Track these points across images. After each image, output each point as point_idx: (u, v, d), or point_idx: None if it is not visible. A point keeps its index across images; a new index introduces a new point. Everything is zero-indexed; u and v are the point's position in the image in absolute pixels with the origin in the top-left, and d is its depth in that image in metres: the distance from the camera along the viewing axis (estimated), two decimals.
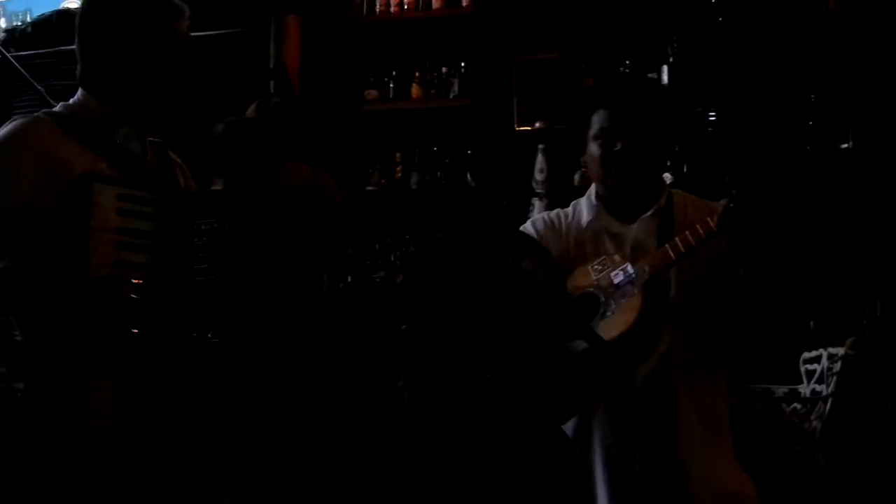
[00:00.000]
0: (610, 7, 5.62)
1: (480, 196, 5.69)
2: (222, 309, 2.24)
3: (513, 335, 1.82)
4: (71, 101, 2.41)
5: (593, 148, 2.80)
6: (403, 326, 1.64)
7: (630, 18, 5.55)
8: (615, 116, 2.77)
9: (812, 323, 4.72)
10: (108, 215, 2.17)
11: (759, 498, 2.72)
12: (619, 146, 2.73)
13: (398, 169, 5.98)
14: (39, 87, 6.11)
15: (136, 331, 2.19)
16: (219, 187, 3.03)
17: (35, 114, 2.33)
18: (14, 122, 2.29)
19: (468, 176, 5.78)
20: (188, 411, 2.26)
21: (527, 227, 2.92)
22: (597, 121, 2.80)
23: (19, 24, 7.21)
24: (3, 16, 7.51)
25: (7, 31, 7.19)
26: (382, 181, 5.98)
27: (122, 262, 2.17)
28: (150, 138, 2.49)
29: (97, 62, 2.39)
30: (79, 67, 2.42)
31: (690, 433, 2.66)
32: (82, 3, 2.49)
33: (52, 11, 6.91)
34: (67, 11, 6.84)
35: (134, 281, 2.18)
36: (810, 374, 4.49)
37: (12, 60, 6.19)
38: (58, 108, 2.39)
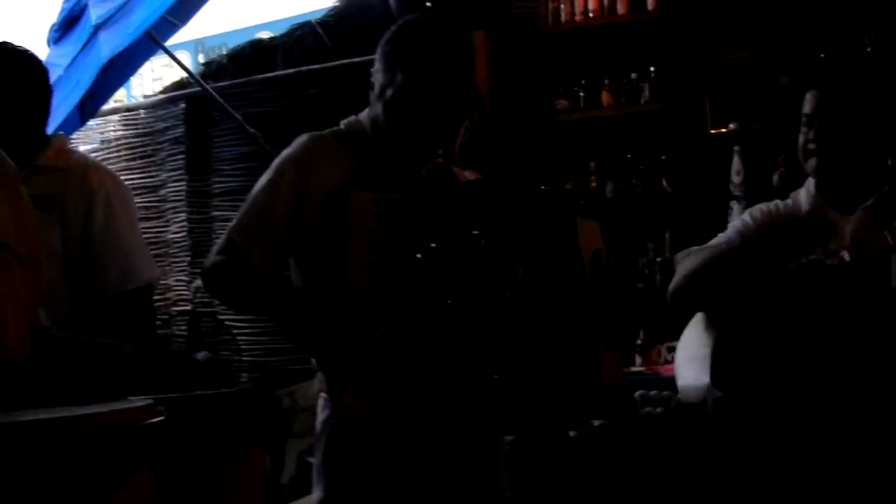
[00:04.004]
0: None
1: (677, 202, 5.60)
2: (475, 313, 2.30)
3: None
4: (352, 119, 2.56)
5: (800, 135, 2.74)
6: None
7: (823, 9, 5.36)
8: (816, 101, 2.69)
9: None
10: (365, 219, 2.24)
11: None
12: (813, 133, 2.65)
13: (592, 178, 5.92)
14: (237, 115, 6.36)
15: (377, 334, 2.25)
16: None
17: (319, 132, 2.51)
18: (297, 140, 2.49)
19: (664, 182, 5.68)
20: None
21: (744, 217, 2.85)
22: (805, 106, 2.73)
23: (216, 57, 7.48)
24: (202, 51, 7.82)
25: (205, 64, 7.48)
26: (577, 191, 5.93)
27: (378, 262, 2.24)
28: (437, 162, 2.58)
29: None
30: None
31: None
32: None
33: (246, 42, 7.13)
34: (260, 42, 7.06)
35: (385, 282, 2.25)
36: None
37: (211, 91, 6.43)
38: (341, 125, 2.56)
